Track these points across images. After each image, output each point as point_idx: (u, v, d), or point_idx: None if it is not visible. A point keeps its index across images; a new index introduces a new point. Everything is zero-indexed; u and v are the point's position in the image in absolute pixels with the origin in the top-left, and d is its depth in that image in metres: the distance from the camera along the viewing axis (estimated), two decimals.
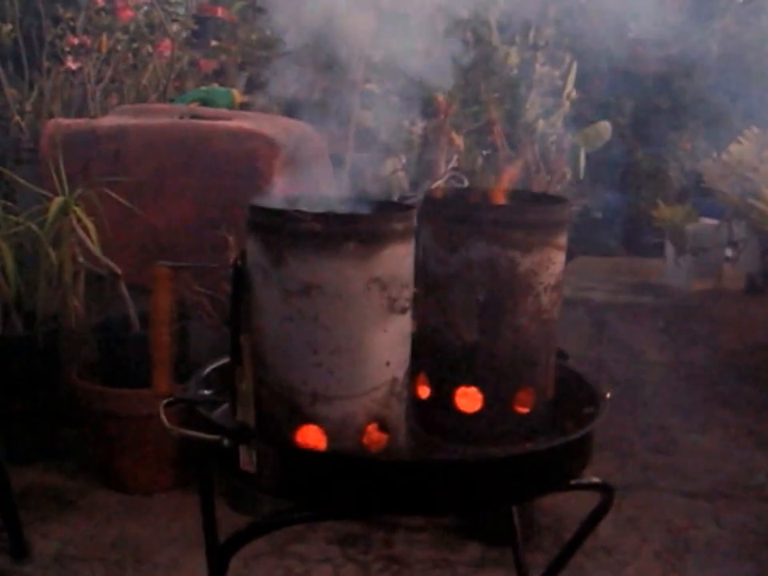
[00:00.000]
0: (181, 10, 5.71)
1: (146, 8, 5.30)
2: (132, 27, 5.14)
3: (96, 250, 3.42)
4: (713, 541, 3.36)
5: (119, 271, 3.44)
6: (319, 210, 1.83)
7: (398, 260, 1.80)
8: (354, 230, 1.73)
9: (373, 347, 1.79)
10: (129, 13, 5.02)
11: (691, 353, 4.83)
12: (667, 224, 5.96)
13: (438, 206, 2.06)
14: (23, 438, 3.68)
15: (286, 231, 1.74)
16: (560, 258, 2.05)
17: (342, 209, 1.92)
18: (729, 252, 6.18)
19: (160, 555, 3.14)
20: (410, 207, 1.87)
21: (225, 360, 2.05)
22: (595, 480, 2.07)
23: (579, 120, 4.60)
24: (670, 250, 6.19)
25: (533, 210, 2.03)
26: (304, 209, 1.81)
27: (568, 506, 3.37)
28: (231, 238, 3.10)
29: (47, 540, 3.20)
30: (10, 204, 3.70)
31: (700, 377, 4.69)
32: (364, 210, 1.93)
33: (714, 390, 4.60)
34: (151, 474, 3.52)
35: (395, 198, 2.11)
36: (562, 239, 2.05)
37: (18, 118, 4.71)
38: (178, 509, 3.40)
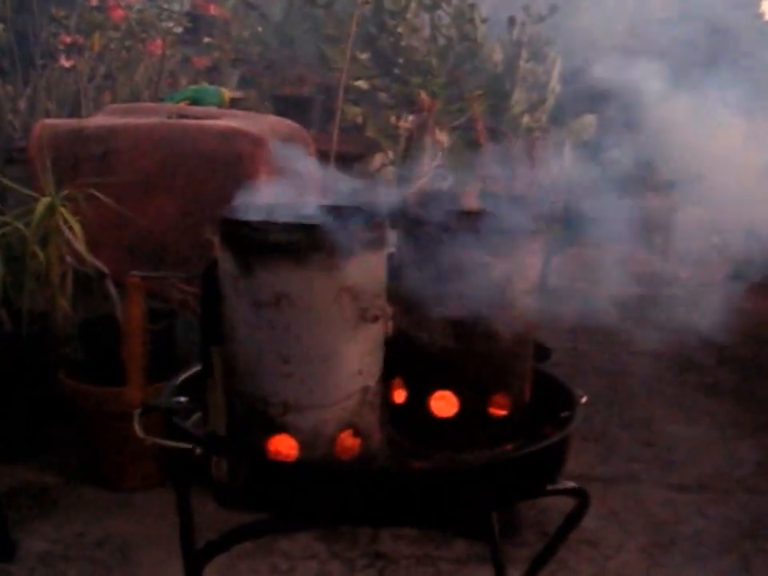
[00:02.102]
0: (175, 7, 5.71)
1: (138, 6, 5.30)
2: (124, 26, 5.14)
3: (83, 249, 3.43)
4: (698, 534, 3.37)
5: (106, 271, 3.44)
6: (291, 219, 1.83)
7: (369, 269, 1.81)
8: (323, 240, 1.73)
9: (344, 357, 1.80)
10: (121, 12, 5.03)
11: (677, 343, 4.82)
12: (654, 213, 5.96)
13: (411, 211, 2.06)
14: (9, 435, 3.69)
15: (254, 242, 1.75)
16: (536, 261, 2.06)
17: (313, 217, 1.92)
18: (716, 240, 6.17)
19: (146, 554, 3.15)
20: (381, 215, 1.87)
21: (200, 367, 2.06)
22: (571, 485, 2.08)
23: (564, 114, 4.60)
24: (656, 238, 6.18)
25: (506, 215, 2.04)
26: (276, 218, 1.82)
27: (552, 500, 3.37)
28: (216, 239, 3.10)
29: (33, 539, 3.21)
30: None
31: (687, 367, 4.70)
32: (336, 218, 1.93)
33: (701, 381, 4.61)
34: (138, 471, 3.54)
35: (380, 195, 2.10)
36: (538, 243, 2.05)
37: (10, 116, 4.72)
38: (165, 506, 3.40)
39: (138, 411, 1.94)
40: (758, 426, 4.21)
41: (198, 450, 1.81)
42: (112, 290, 3.48)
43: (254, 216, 1.85)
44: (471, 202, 2.13)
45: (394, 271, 1.95)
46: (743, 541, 3.34)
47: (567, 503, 2.17)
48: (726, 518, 3.47)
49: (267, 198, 2.02)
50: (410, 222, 2.03)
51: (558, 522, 2.23)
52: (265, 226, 1.74)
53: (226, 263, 1.81)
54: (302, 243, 1.73)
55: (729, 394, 4.48)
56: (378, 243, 1.83)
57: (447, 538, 3.27)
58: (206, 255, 3.16)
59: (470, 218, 2.06)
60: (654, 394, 4.42)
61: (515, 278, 2.02)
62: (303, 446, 1.82)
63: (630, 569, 3.18)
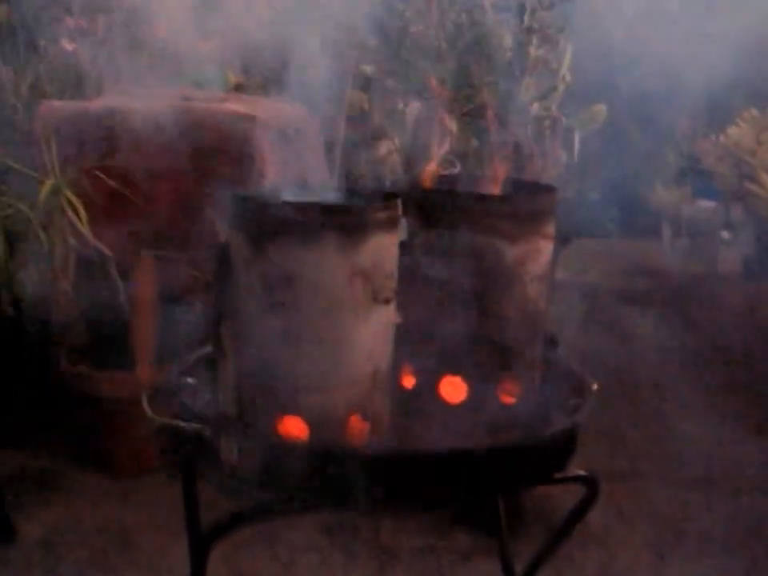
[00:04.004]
0: None
1: None
2: (129, 8, 5.10)
3: (86, 232, 3.40)
4: (705, 532, 3.34)
5: (109, 254, 3.42)
6: (303, 199, 1.81)
7: (382, 250, 1.79)
8: (336, 220, 1.72)
9: (355, 339, 1.78)
10: None
11: (685, 339, 4.80)
12: (664, 206, 5.95)
13: (425, 194, 2.04)
14: (10, 420, 3.66)
15: (267, 222, 1.73)
16: (548, 247, 2.03)
17: (326, 198, 1.90)
18: (726, 234, 6.16)
19: (147, 540, 3.13)
20: (394, 196, 1.85)
21: (208, 348, 2.04)
22: (580, 473, 2.05)
23: (574, 102, 4.57)
24: (666, 232, 6.17)
25: (520, 200, 2.02)
26: (288, 198, 1.79)
27: (558, 494, 3.34)
28: (220, 222, 3.08)
29: (33, 524, 3.18)
30: (2, 186, 3.67)
31: (695, 363, 4.66)
32: (348, 199, 1.91)
33: (710, 377, 4.56)
34: (140, 456, 3.51)
35: (387, 182, 2.09)
36: (550, 229, 2.03)
37: (13, 99, 4.68)
38: (166, 492, 3.38)
39: (146, 392, 1.91)
40: None
41: (207, 432, 1.79)
42: (115, 273, 3.46)
43: (265, 196, 1.83)
44: (484, 185, 2.11)
45: (405, 254, 1.92)
46: (751, 539, 3.30)
47: (574, 498, 2.14)
48: (734, 517, 3.43)
49: (275, 180, 2.01)
50: (423, 201, 2.01)
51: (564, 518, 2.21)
52: (278, 206, 1.72)
53: (238, 243, 1.78)
54: (314, 223, 1.70)
55: (739, 391, 4.45)
56: (390, 224, 1.80)
57: (450, 531, 3.25)
58: (211, 239, 3.15)
59: (486, 199, 2.04)
60: (663, 390, 4.39)
61: (528, 262, 1.99)
62: (313, 427, 1.80)
63: (636, 565, 3.15)
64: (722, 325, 4.94)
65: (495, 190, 2.16)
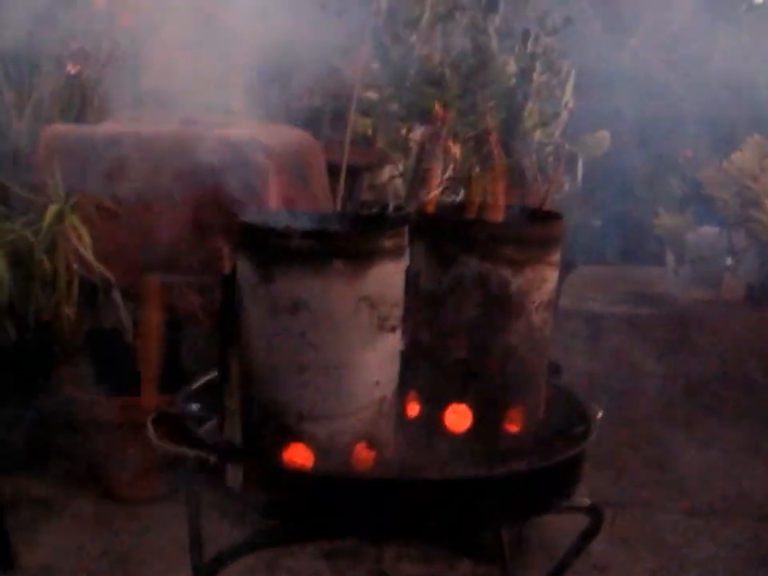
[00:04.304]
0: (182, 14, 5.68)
1: (147, 11, 5.27)
2: (132, 32, 5.12)
3: (90, 257, 3.40)
4: (708, 560, 3.31)
5: (113, 279, 3.41)
6: (309, 226, 1.81)
7: (388, 278, 1.79)
8: (343, 247, 1.72)
9: (361, 366, 1.78)
10: (129, 18, 5.00)
11: (690, 364, 4.78)
12: (667, 232, 5.93)
13: (431, 221, 2.04)
14: (13, 444, 3.65)
15: (275, 248, 1.73)
16: (553, 275, 2.03)
17: (333, 225, 1.91)
18: (729, 261, 6.14)
19: (149, 567, 3.10)
20: (401, 224, 1.85)
21: (213, 374, 2.04)
22: (585, 502, 2.05)
23: (578, 128, 4.59)
24: (670, 258, 6.15)
25: (526, 228, 2.02)
26: (294, 225, 1.79)
27: (561, 522, 3.33)
28: (226, 248, 3.08)
29: (34, 550, 3.16)
30: (4, 210, 3.67)
31: (699, 389, 4.64)
32: (354, 226, 1.91)
33: (714, 403, 4.55)
34: (141, 482, 3.49)
35: (391, 206, 2.09)
36: (556, 257, 2.03)
37: (16, 122, 4.69)
38: (168, 519, 3.36)
39: (151, 417, 1.91)
40: None
41: (213, 459, 1.79)
42: (118, 299, 3.46)
43: (272, 222, 1.83)
44: (490, 213, 2.11)
45: (411, 282, 1.92)
46: (754, 568, 3.28)
47: (577, 526, 2.14)
48: (737, 545, 3.41)
49: (281, 206, 2.01)
50: (429, 228, 2.01)
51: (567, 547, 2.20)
52: (285, 233, 1.72)
53: (245, 269, 1.78)
54: (322, 250, 1.70)
55: (741, 418, 4.43)
56: (397, 253, 1.81)
57: (452, 558, 3.22)
58: (217, 265, 3.15)
59: (492, 227, 2.04)
60: (665, 416, 4.37)
61: (533, 291, 1.99)
62: (318, 455, 1.80)
63: None
64: (726, 351, 4.92)
65: (499, 216, 2.16)
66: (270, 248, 1.73)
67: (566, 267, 2.10)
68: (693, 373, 4.68)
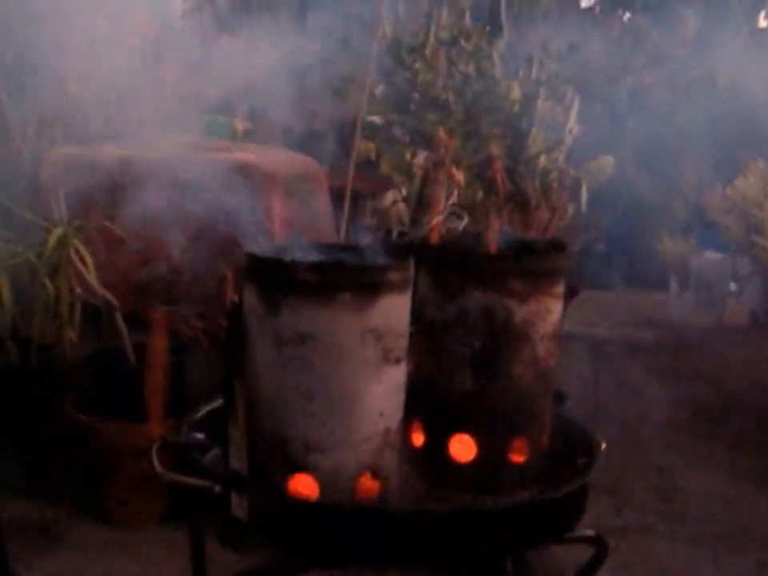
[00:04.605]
0: (186, 37, 5.70)
1: (150, 35, 5.29)
2: (136, 54, 5.13)
3: (93, 281, 3.40)
4: None
5: (116, 303, 3.41)
6: (315, 257, 1.81)
7: (394, 310, 1.79)
8: (349, 280, 1.72)
9: (366, 397, 1.78)
10: (133, 40, 5.02)
11: (694, 390, 4.77)
12: (671, 258, 5.94)
13: (435, 252, 2.05)
14: (14, 467, 3.64)
15: (281, 280, 1.73)
16: (558, 306, 2.03)
17: (339, 256, 1.91)
18: (733, 286, 6.14)
19: None
20: (406, 256, 1.85)
21: (218, 403, 2.04)
22: (589, 533, 2.04)
23: (582, 154, 4.59)
24: (673, 284, 6.15)
25: (530, 259, 2.02)
26: (300, 256, 1.80)
27: (565, 554, 3.31)
28: (230, 274, 3.08)
29: (34, 574, 3.15)
30: (8, 233, 3.67)
31: (703, 416, 4.63)
32: (360, 258, 1.91)
33: (718, 430, 4.53)
34: (142, 507, 3.48)
35: (394, 232, 2.09)
36: (560, 288, 2.03)
37: (20, 143, 4.69)
38: (169, 544, 3.35)
39: (156, 446, 1.91)
40: None
41: (218, 488, 1.78)
42: (121, 323, 3.45)
43: (278, 254, 1.83)
44: (492, 243, 2.11)
45: (415, 311, 1.92)
46: None
47: (581, 555, 2.13)
48: (741, 573, 3.40)
49: (287, 235, 2.02)
50: (433, 259, 2.01)
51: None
52: (292, 265, 1.72)
53: (251, 300, 1.78)
54: (328, 283, 1.70)
55: (745, 444, 4.41)
56: (403, 285, 1.81)
57: None
58: (218, 291, 3.15)
59: (496, 258, 2.04)
60: (669, 443, 4.36)
61: (538, 321, 1.99)
62: (323, 485, 1.80)
63: None
64: (730, 377, 4.91)
65: (504, 246, 2.16)
66: (276, 280, 1.74)
67: (569, 293, 2.10)
68: (697, 399, 4.67)
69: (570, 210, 4.40)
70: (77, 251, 3.40)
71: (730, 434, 4.52)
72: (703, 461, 4.21)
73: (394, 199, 4.36)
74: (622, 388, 4.69)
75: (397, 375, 1.83)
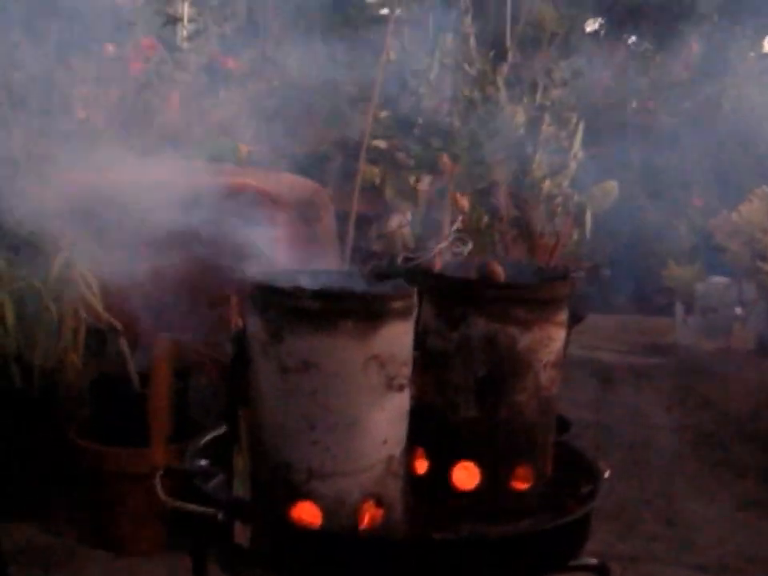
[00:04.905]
0: (192, 59, 5.72)
1: (156, 59, 5.31)
2: (142, 78, 5.15)
3: (97, 305, 3.40)
4: None
5: (120, 327, 3.41)
6: (318, 284, 1.81)
7: (397, 338, 1.79)
8: (352, 308, 1.72)
9: (370, 425, 1.77)
10: (139, 64, 5.04)
11: (699, 416, 4.75)
12: (677, 283, 5.92)
13: (438, 281, 2.05)
14: (18, 493, 3.63)
15: (285, 308, 1.73)
16: (560, 334, 2.03)
17: (342, 283, 1.91)
18: (739, 311, 6.12)
19: None
20: (410, 284, 1.85)
21: (222, 429, 2.04)
22: (593, 561, 2.03)
23: (587, 179, 4.60)
24: (679, 309, 6.14)
25: (533, 288, 2.02)
26: (303, 283, 1.79)
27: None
28: (234, 299, 3.08)
29: None
30: (13, 258, 3.67)
31: (709, 442, 4.61)
32: (363, 285, 1.91)
33: (724, 457, 4.50)
34: (146, 533, 3.47)
35: (399, 258, 2.09)
36: (563, 316, 2.03)
37: (25, 166, 4.70)
38: (171, 571, 3.34)
39: (159, 473, 1.91)
40: None
41: (221, 516, 1.78)
42: (125, 347, 3.45)
43: (282, 281, 1.83)
44: (496, 271, 2.11)
45: (418, 338, 1.92)
46: None
47: None
48: None
49: (289, 262, 2.01)
50: (436, 288, 2.01)
51: None
52: (294, 292, 1.72)
53: (255, 328, 1.78)
54: (331, 311, 1.70)
55: (752, 471, 4.39)
56: (406, 313, 1.81)
57: None
58: (222, 316, 3.15)
59: (499, 287, 2.04)
60: (675, 469, 4.33)
61: (540, 349, 2.00)
62: (326, 513, 1.79)
63: None
64: (737, 403, 4.90)
65: (507, 273, 2.16)
66: (279, 308, 1.73)
67: (573, 319, 2.10)
68: (703, 425, 4.66)
69: (575, 236, 4.40)
70: (81, 275, 3.40)
71: (736, 460, 4.50)
72: (710, 487, 4.19)
73: (400, 224, 4.37)
74: (628, 413, 4.67)
75: (400, 402, 1.83)
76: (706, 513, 3.96)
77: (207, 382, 3.37)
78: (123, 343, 3.44)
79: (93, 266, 3.38)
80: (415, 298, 1.83)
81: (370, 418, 1.77)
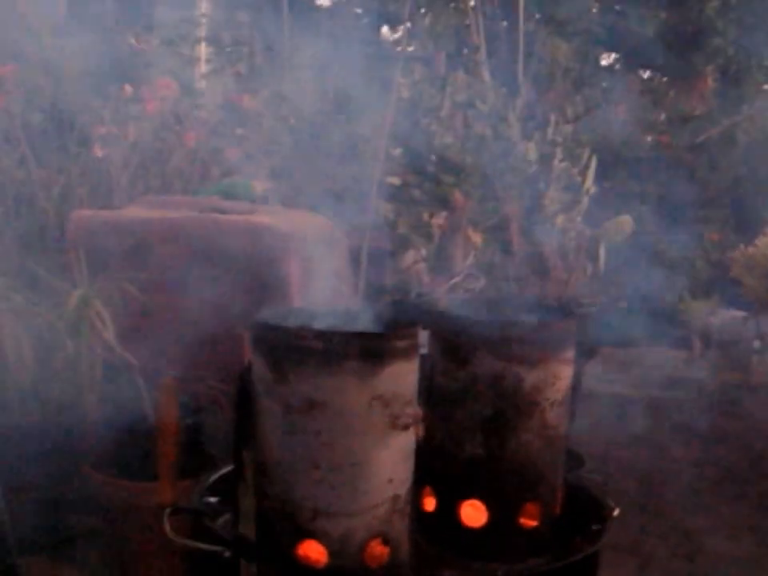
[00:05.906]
0: (207, 99, 5.77)
1: (173, 98, 5.35)
2: (158, 117, 5.19)
3: (113, 341, 3.42)
4: None
5: (135, 363, 3.43)
6: (323, 323, 1.82)
7: (401, 377, 1.79)
8: (356, 348, 1.73)
9: (374, 464, 1.78)
10: (156, 103, 5.08)
11: (718, 451, 4.72)
12: (693, 315, 5.91)
13: (445, 319, 2.05)
14: (37, 527, 3.64)
15: (289, 348, 1.74)
16: (567, 372, 2.04)
17: (349, 322, 1.91)
18: (757, 344, 6.09)
19: None
20: (414, 323, 1.86)
21: (230, 467, 2.04)
22: None
23: (600, 213, 4.60)
24: (696, 341, 6.12)
25: (538, 326, 2.02)
26: (308, 323, 1.81)
27: None
28: (246, 336, 3.09)
29: None
30: (32, 296, 3.69)
31: (728, 476, 4.56)
32: (369, 323, 1.92)
33: (742, 492, 4.47)
34: (163, 567, 3.47)
35: (413, 294, 2.10)
36: (569, 353, 2.04)
37: (44, 203, 4.74)
38: None
39: (167, 511, 1.91)
40: None
41: (227, 554, 1.79)
42: (140, 382, 3.46)
43: (287, 321, 1.84)
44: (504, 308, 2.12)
45: (425, 375, 1.93)
46: None
47: None
48: None
49: (299, 301, 2.03)
50: (442, 326, 2.02)
51: None
52: (299, 333, 1.73)
53: (259, 367, 1.79)
54: (335, 351, 1.71)
55: None
56: (410, 352, 1.81)
57: None
58: (237, 352, 3.16)
59: (506, 325, 2.05)
60: (693, 504, 4.29)
61: (547, 388, 2.00)
62: (332, 552, 1.79)
63: None
64: (755, 437, 4.86)
65: (514, 311, 2.17)
66: (283, 347, 1.74)
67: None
68: (721, 459, 4.62)
69: (589, 270, 4.40)
70: (97, 312, 3.42)
71: (756, 494, 4.45)
72: (728, 523, 4.14)
73: (415, 259, 4.37)
74: (645, 447, 4.64)
75: (405, 442, 1.83)
76: (725, 549, 3.91)
77: (223, 418, 3.38)
78: (138, 378, 3.45)
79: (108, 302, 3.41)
80: (419, 338, 1.83)
81: (375, 458, 1.78)
